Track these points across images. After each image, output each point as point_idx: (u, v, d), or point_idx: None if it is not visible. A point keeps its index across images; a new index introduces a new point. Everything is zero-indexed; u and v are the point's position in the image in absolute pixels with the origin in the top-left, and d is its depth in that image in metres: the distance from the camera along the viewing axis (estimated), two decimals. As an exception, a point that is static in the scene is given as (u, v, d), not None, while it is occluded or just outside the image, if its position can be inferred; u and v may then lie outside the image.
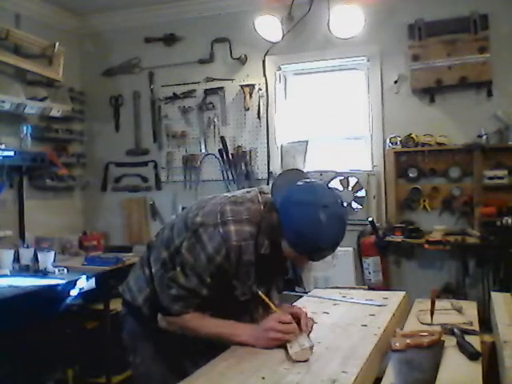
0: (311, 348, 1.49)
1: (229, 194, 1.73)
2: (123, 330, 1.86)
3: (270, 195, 1.63)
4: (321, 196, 1.52)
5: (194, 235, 1.59)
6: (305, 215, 1.47)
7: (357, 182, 3.74)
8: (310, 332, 1.60)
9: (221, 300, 1.65)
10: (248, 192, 1.71)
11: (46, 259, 3.31)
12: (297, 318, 1.60)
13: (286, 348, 1.52)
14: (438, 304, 1.98)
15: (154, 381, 1.79)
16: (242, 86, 4.06)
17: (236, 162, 4.05)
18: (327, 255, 1.60)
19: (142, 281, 1.77)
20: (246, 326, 1.64)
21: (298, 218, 1.48)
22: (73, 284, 3.11)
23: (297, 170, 1.87)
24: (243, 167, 4.02)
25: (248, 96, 4.04)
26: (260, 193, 1.67)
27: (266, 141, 4.04)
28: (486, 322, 1.96)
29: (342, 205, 1.61)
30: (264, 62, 4.04)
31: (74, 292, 3.09)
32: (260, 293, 1.64)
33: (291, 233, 1.50)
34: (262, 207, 1.62)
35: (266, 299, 1.64)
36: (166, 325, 1.69)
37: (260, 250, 1.59)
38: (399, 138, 3.66)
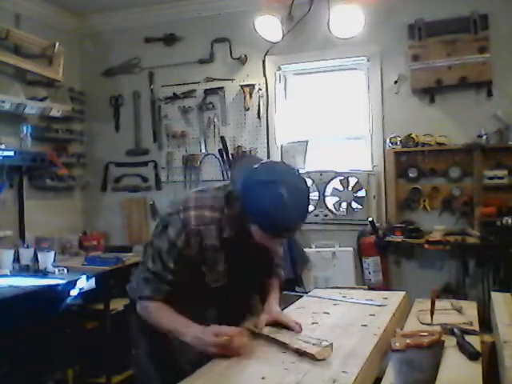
0: (331, 345, 1.48)
1: (201, 188, 1.80)
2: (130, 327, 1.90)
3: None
4: (279, 173, 1.53)
5: (161, 223, 1.68)
6: (266, 193, 1.46)
7: (357, 182, 3.75)
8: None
9: (193, 289, 1.67)
10: (220, 184, 1.76)
11: (46, 259, 3.31)
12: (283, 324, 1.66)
13: (283, 345, 1.52)
14: (438, 304, 1.98)
15: (151, 374, 1.80)
16: (241, 86, 4.06)
17: (236, 162, 4.05)
18: (294, 230, 1.59)
19: None
20: (197, 328, 1.57)
21: (259, 198, 1.46)
22: (73, 284, 3.11)
23: (251, 155, 1.90)
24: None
25: (248, 96, 4.04)
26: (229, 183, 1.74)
27: (266, 141, 4.04)
28: (486, 322, 1.96)
29: (303, 178, 1.59)
30: (264, 62, 4.04)
31: (73, 292, 3.09)
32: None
33: (256, 213, 1.48)
34: (226, 194, 1.66)
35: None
36: (139, 310, 1.71)
37: (223, 233, 1.61)
38: (399, 138, 3.66)
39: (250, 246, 1.62)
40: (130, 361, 2.01)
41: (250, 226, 1.53)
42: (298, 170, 1.65)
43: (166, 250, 1.63)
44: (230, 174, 1.47)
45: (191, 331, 1.56)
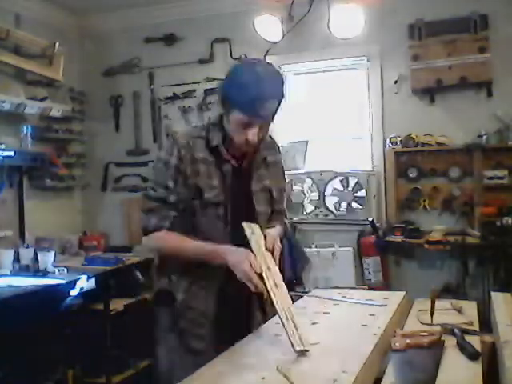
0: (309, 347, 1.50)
1: None
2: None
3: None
4: (254, 62, 1.75)
5: (155, 158, 1.83)
6: (244, 73, 1.64)
7: (357, 182, 3.74)
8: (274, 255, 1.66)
9: (196, 215, 1.71)
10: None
11: (46, 259, 3.31)
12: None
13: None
14: (438, 304, 1.98)
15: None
16: (242, 86, 4.06)
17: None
18: (272, 105, 1.67)
19: None
20: (228, 246, 1.64)
21: (239, 79, 1.63)
22: (73, 284, 3.11)
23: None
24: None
25: (248, 96, 4.03)
26: None
27: (265, 141, 4.03)
28: (486, 322, 1.96)
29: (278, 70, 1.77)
30: (264, 61, 4.04)
31: (73, 292, 3.09)
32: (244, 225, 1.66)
33: (236, 94, 1.60)
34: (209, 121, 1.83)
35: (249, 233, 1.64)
36: (151, 245, 1.78)
37: (212, 142, 1.72)
38: (399, 138, 3.66)
39: (245, 175, 1.77)
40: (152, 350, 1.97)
41: (231, 115, 1.64)
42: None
43: (163, 172, 1.71)
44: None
45: (222, 247, 1.63)
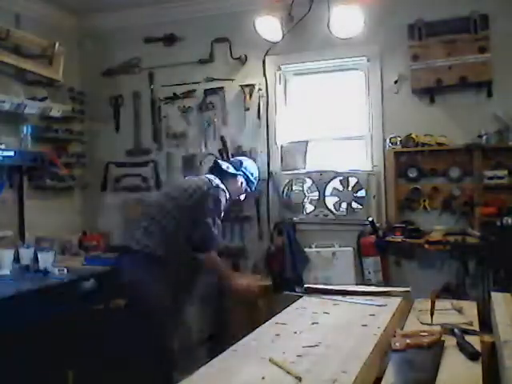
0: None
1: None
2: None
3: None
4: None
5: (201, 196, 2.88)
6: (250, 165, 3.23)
7: (357, 182, 3.74)
8: None
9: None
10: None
11: (46, 259, 3.31)
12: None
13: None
14: (438, 304, 1.98)
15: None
16: (241, 86, 4.06)
17: (236, 162, 4.06)
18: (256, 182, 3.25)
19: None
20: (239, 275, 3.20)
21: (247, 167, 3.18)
22: (73, 284, 3.11)
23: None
24: (243, 167, 4.03)
25: (248, 96, 4.04)
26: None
27: (266, 141, 4.04)
28: (486, 322, 1.96)
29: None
30: (264, 62, 4.04)
31: (74, 292, 3.09)
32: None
33: (246, 176, 3.14)
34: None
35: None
36: (208, 258, 2.79)
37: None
38: (399, 138, 3.66)
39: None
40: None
41: (233, 185, 3.06)
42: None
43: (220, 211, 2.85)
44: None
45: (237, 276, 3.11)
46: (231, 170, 3.10)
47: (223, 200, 2.83)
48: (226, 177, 3.04)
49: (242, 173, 3.12)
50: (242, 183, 3.12)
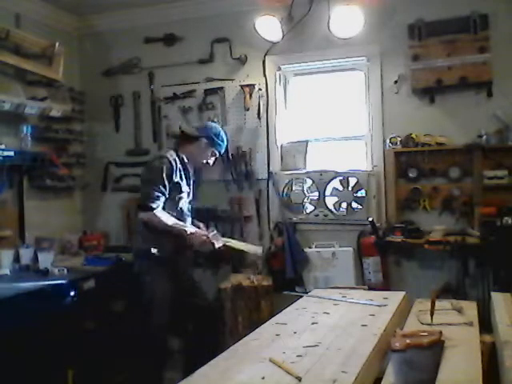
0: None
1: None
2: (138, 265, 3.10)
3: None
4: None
5: (148, 169, 3.13)
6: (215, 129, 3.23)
7: (357, 182, 3.75)
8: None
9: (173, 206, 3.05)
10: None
11: (46, 259, 3.31)
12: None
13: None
14: (438, 304, 1.99)
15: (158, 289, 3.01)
16: (242, 86, 4.06)
17: (236, 162, 4.05)
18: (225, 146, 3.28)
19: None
20: (192, 227, 3.13)
21: (212, 130, 3.20)
22: (73, 284, 3.11)
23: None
24: (243, 167, 4.02)
25: (248, 96, 4.03)
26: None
27: (266, 141, 4.04)
28: (486, 322, 1.96)
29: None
30: (264, 62, 4.04)
31: (73, 292, 3.09)
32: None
33: (216, 142, 3.17)
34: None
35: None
36: (148, 219, 2.94)
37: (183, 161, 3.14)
38: (399, 138, 3.66)
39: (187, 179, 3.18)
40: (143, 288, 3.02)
41: (203, 149, 3.16)
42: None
43: (160, 178, 2.94)
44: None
45: (193, 228, 3.10)
46: (193, 133, 3.21)
47: (163, 167, 2.96)
48: (190, 141, 3.17)
49: (204, 134, 3.15)
50: (206, 145, 3.15)
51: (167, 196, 2.98)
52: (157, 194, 2.93)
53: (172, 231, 2.99)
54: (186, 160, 3.14)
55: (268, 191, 4.02)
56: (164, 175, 2.96)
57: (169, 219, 2.98)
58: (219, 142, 3.19)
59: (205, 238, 3.04)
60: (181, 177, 3.08)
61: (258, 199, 4.03)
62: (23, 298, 2.77)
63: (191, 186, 3.24)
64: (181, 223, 3.05)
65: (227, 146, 3.33)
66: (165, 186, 2.96)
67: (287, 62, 4.05)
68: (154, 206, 2.92)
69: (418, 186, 3.67)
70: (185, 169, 3.14)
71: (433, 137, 3.59)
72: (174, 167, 3.02)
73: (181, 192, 3.09)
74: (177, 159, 3.07)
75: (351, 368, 1.38)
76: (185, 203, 3.17)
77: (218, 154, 3.25)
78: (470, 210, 3.51)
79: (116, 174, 4.47)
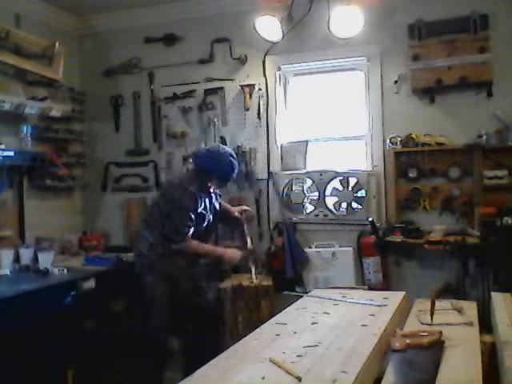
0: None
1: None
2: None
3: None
4: (223, 149, 3.22)
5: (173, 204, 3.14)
6: (222, 161, 3.14)
7: (357, 182, 3.75)
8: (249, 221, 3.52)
9: (199, 231, 3.14)
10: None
11: (46, 259, 3.31)
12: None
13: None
14: (438, 304, 1.99)
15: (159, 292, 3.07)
16: (242, 86, 4.06)
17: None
18: (231, 180, 3.32)
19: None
20: (223, 248, 3.35)
21: (218, 164, 3.13)
22: (73, 284, 3.11)
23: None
24: (243, 167, 4.02)
25: (248, 96, 4.04)
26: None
27: (266, 141, 4.04)
28: (486, 322, 1.96)
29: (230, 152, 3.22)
30: (264, 62, 4.04)
31: (73, 292, 3.09)
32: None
33: (216, 173, 3.14)
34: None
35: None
36: (182, 248, 3.06)
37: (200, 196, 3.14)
38: (399, 138, 3.66)
39: (210, 204, 3.24)
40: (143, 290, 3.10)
41: (210, 182, 3.16)
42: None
43: (187, 215, 3.04)
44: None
45: (222, 249, 3.32)
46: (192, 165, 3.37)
47: (189, 200, 3.05)
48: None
49: (201, 166, 3.16)
50: (206, 177, 3.16)
51: (194, 224, 3.08)
52: (186, 229, 3.05)
53: (206, 257, 3.30)
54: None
55: (268, 191, 4.02)
56: (190, 212, 3.05)
57: (198, 247, 3.16)
58: (221, 174, 3.19)
59: (238, 253, 3.29)
60: (204, 206, 3.16)
61: (258, 199, 4.03)
62: (23, 298, 2.77)
63: (214, 204, 3.31)
64: (211, 248, 3.30)
65: (236, 172, 3.22)
66: (192, 220, 3.06)
67: (287, 62, 4.05)
68: (185, 238, 3.07)
69: (418, 186, 3.67)
70: (206, 193, 3.20)
71: (433, 137, 3.59)
72: (198, 199, 3.09)
73: (205, 218, 3.20)
74: (197, 187, 3.11)
75: (351, 368, 1.38)
76: (208, 222, 3.27)
77: (225, 184, 3.33)
78: (470, 210, 3.51)
79: (116, 174, 4.47)
